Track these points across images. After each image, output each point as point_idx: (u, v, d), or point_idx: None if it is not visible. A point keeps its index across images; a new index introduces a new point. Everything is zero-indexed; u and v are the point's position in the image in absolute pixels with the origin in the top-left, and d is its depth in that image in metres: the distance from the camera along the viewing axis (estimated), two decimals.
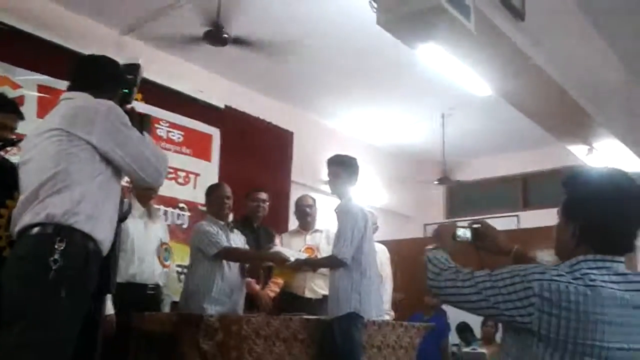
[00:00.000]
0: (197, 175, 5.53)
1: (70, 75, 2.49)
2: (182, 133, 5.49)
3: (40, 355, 2.03)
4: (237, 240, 3.95)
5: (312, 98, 6.83)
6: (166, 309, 3.77)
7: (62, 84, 2.50)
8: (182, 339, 3.00)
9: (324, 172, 3.88)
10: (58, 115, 2.28)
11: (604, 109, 5.21)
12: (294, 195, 5.70)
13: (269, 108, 6.58)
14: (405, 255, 5.24)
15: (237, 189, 4.22)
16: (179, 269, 4.73)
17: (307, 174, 6.80)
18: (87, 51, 2.70)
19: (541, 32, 4.10)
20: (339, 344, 3.34)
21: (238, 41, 4.87)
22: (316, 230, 4.64)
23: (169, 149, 5.22)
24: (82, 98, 2.34)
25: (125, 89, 2.53)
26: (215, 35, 4.72)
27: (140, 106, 2.67)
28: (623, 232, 1.49)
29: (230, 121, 5.99)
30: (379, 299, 3.77)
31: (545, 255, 1.70)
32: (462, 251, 1.86)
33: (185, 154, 5.49)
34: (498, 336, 5.40)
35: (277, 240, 4.46)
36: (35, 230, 2.12)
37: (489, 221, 1.95)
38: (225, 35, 4.73)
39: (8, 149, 2.80)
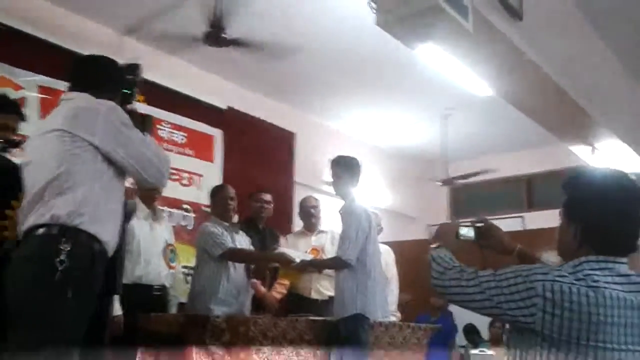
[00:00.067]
0: (200, 176, 5.53)
1: (70, 75, 2.49)
2: (185, 134, 5.49)
3: (45, 356, 2.02)
4: (242, 241, 3.95)
5: (315, 99, 6.83)
6: (173, 310, 3.77)
7: (64, 85, 2.51)
8: (189, 340, 3.00)
9: (326, 173, 3.89)
10: (60, 116, 2.28)
11: (604, 109, 5.21)
12: (297, 196, 5.70)
13: (271, 109, 6.59)
14: (410, 256, 5.21)
15: (240, 190, 4.23)
16: (185, 270, 4.73)
17: (310, 175, 6.79)
18: (87, 52, 2.70)
19: (539, 32, 4.10)
20: (345, 345, 3.33)
21: (237, 42, 4.87)
22: (321, 232, 4.64)
23: (171, 150, 5.22)
24: (83, 98, 2.34)
25: (126, 89, 2.53)
26: (215, 37, 4.72)
27: (141, 107, 2.67)
28: (625, 233, 1.49)
29: (233, 122, 5.99)
30: (384, 300, 3.76)
31: (551, 256, 1.70)
32: (465, 250, 1.85)
33: (188, 155, 5.50)
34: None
35: (282, 242, 4.46)
36: (41, 231, 2.12)
37: (494, 222, 1.94)
38: (225, 36, 4.73)
39: (11, 150, 2.80)
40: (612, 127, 5.47)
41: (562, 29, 4.57)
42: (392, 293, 4.91)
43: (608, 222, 1.47)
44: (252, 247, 4.04)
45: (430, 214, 8.60)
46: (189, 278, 4.34)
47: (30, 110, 4.00)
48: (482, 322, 5.95)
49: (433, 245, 1.76)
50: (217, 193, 4.07)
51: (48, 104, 4.04)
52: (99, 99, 2.34)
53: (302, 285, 4.40)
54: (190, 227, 5.28)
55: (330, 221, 4.51)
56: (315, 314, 3.90)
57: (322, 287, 4.39)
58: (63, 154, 2.18)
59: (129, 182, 2.58)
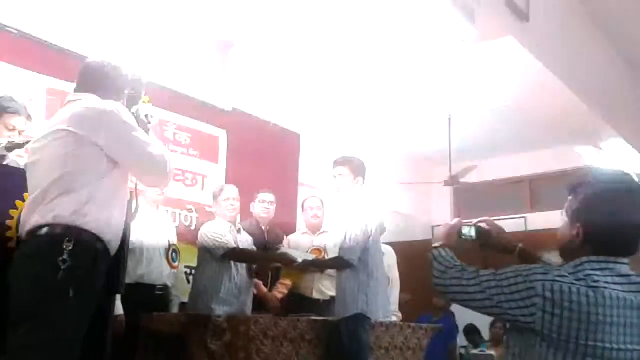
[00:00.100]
0: (204, 177, 5.54)
1: (77, 77, 2.50)
2: (189, 135, 5.50)
3: (47, 356, 2.03)
4: (245, 241, 3.97)
5: (319, 100, 6.84)
6: (174, 309, 3.79)
7: (70, 87, 2.52)
8: (191, 340, 3.02)
9: (330, 174, 3.89)
10: (65, 117, 2.29)
11: (609, 110, 5.22)
12: (301, 196, 5.71)
13: (276, 110, 6.59)
14: (413, 257, 5.22)
15: (244, 191, 4.24)
16: (187, 270, 4.74)
17: (314, 176, 6.80)
18: (94, 55, 2.71)
19: (546, 33, 4.11)
20: (346, 345, 3.35)
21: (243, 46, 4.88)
22: (323, 232, 4.65)
23: (175, 151, 5.23)
24: (88, 100, 2.35)
25: (132, 90, 2.54)
26: (222, 39, 4.75)
27: (146, 108, 2.68)
28: (626, 234, 1.49)
29: (238, 123, 6.00)
30: (386, 301, 3.77)
31: (553, 257, 1.71)
32: (467, 249, 1.86)
33: (193, 155, 5.51)
34: None
35: (285, 242, 4.47)
36: (44, 230, 2.13)
37: (496, 222, 1.96)
38: (232, 39, 4.75)
39: (17, 150, 2.83)
40: (617, 128, 5.48)
41: (568, 31, 4.59)
42: (393, 294, 4.92)
43: (611, 224, 1.48)
44: (254, 248, 4.05)
45: (434, 215, 8.61)
46: (191, 278, 4.35)
47: (37, 112, 4.02)
48: (483, 323, 5.95)
49: (435, 245, 1.77)
50: (220, 193, 4.09)
51: (55, 106, 4.05)
52: (104, 100, 2.35)
53: (304, 285, 4.41)
54: (192, 227, 5.30)
55: (332, 222, 4.52)
56: (316, 314, 3.91)
57: (324, 287, 4.39)
58: (67, 155, 2.19)
59: (132, 182, 2.60)
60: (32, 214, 2.18)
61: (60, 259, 2.06)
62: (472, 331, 6.26)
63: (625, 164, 5.98)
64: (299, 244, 4.52)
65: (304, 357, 3.31)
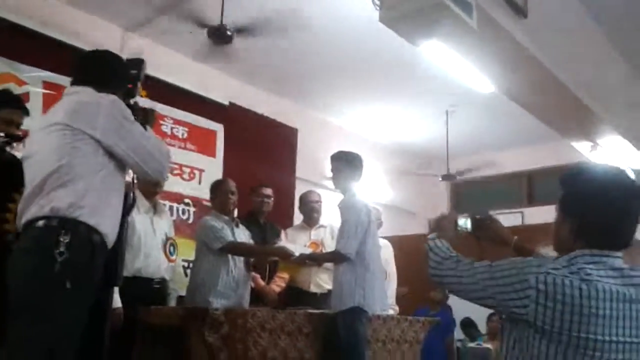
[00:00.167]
0: (201, 171, 5.56)
1: (74, 70, 2.51)
2: (187, 129, 5.52)
3: (45, 348, 2.04)
4: (242, 235, 3.98)
5: (317, 95, 6.85)
6: (172, 302, 3.80)
7: (67, 81, 2.53)
8: (188, 332, 3.03)
9: (328, 169, 3.90)
10: (61, 110, 2.30)
11: (606, 105, 5.21)
12: (298, 191, 5.72)
13: (274, 105, 6.61)
14: (409, 251, 5.24)
15: (242, 185, 4.25)
16: (185, 264, 4.77)
17: (311, 170, 6.81)
18: (91, 48, 2.72)
19: (543, 29, 4.11)
20: (343, 338, 3.37)
21: (241, 30, 4.86)
22: (321, 226, 4.67)
23: (173, 145, 5.25)
24: (85, 92, 2.35)
25: (129, 83, 2.55)
26: (219, 33, 4.74)
27: (144, 102, 2.69)
28: (620, 229, 1.51)
29: (235, 118, 6.02)
30: (382, 294, 3.79)
31: (550, 251, 1.72)
32: (462, 241, 1.88)
33: (190, 150, 5.53)
34: None
35: (282, 236, 4.49)
36: (41, 223, 2.14)
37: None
38: (229, 33, 4.75)
39: (14, 144, 2.83)
40: (614, 124, 5.48)
41: (565, 26, 4.58)
42: (390, 287, 4.94)
43: (604, 217, 1.49)
44: (252, 241, 4.06)
45: (431, 209, 8.62)
46: (189, 271, 4.37)
47: (34, 105, 4.03)
48: (479, 316, 5.97)
49: (431, 236, 1.78)
50: (217, 187, 4.10)
51: (52, 100, 4.05)
52: (101, 93, 2.36)
53: (301, 279, 4.42)
54: (190, 221, 5.32)
55: (330, 216, 4.54)
56: (314, 307, 3.93)
57: (321, 281, 4.41)
58: (64, 147, 2.19)
59: (129, 176, 2.60)
60: (29, 207, 2.19)
61: (57, 251, 2.07)
62: (468, 324, 6.28)
63: (622, 160, 5.99)
64: (296, 238, 4.54)
65: (301, 350, 3.33)
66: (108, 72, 2.48)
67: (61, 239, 2.08)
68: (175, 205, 5.27)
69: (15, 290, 2.11)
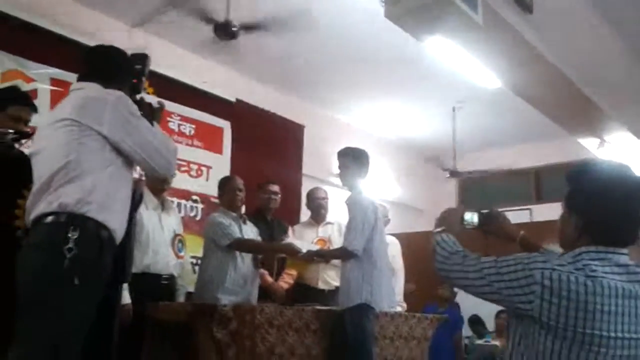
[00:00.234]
0: (209, 168, 5.58)
1: (80, 65, 2.51)
2: (194, 126, 5.53)
3: (53, 344, 2.04)
4: (250, 231, 3.99)
5: (324, 92, 6.85)
6: (181, 299, 3.81)
7: (75, 78, 2.54)
8: (197, 328, 3.04)
9: (335, 165, 3.90)
10: (68, 106, 2.30)
11: (614, 102, 5.19)
12: (305, 188, 5.73)
13: (280, 101, 6.61)
14: (417, 248, 5.25)
15: (249, 182, 4.26)
16: (193, 260, 4.78)
17: (318, 167, 6.82)
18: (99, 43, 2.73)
19: (549, 25, 4.09)
20: (350, 334, 3.37)
21: (247, 27, 4.87)
22: (328, 223, 4.67)
23: (180, 142, 5.26)
24: (91, 88, 2.36)
25: (134, 78, 2.55)
26: (226, 29, 4.75)
27: (152, 99, 2.69)
28: (625, 225, 1.50)
29: (242, 114, 6.02)
30: (390, 291, 3.79)
31: (557, 248, 1.72)
32: (469, 236, 1.88)
33: (197, 147, 5.54)
34: None
35: (289, 232, 4.49)
36: (49, 219, 2.14)
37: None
38: (235, 29, 4.75)
39: (23, 141, 2.85)
40: (622, 120, 5.46)
41: (572, 22, 4.56)
42: (398, 284, 4.94)
43: (609, 214, 1.49)
44: (259, 238, 4.07)
45: (438, 206, 8.59)
46: (197, 268, 4.38)
47: (42, 102, 4.05)
48: (487, 313, 5.96)
49: (437, 230, 1.78)
50: (225, 184, 4.11)
51: (59, 97, 4.05)
52: (107, 88, 2.36)
53: (309, 276, 4.44)
54: (198, 218, 5.34)
55: (337, 213, 4.54)
56: (321, 303, 3.94)
57: (329, 277, 4.42)
58: (71, 143, 2.19)
59: (137, 173, 2.61)
60: (37, 203, 2.20)
61: (66, 247, 2.07)
62: (476, 322, 6.28)
63: (630, 156, 5.97)
64: (303, 235, 4.55)
65: (309, 346, 3.34)
66: (113, 67, 2.48)
67: (69, 235, 2.09)
68: (183, 202, 5.29)
69: (23, 286, 2.11)
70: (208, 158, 5.61)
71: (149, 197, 3.66)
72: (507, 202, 8.06)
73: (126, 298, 3.20)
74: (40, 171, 2.25)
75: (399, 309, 4.70)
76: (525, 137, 7.85)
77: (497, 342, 5.73)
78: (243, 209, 4.15)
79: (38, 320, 2.06)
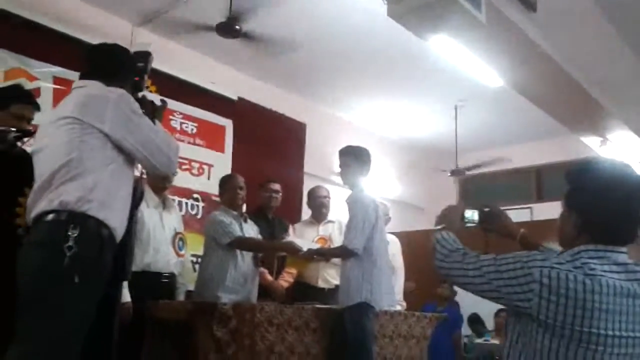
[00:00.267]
0: (210, 166, 5.58)
1: (83, 63, 2.52)
2: (196, 124, 5.54)
3: (53, 342, 2.05)
4: (251, 230, 3.99)
5: (325, 90, 6.85)
6: (181, 297, 3.82)
7: (78, 76, 2.55)
8: (197, 327, 3.05)
9: (336, 164, 3.91)
10: (70, 104, 2.31)
11: (616, 100, 5.19)
12: (307, 186, 5.73)
13: (282, 100, 6.61)
14: (418, 247, 5.25)
15: (250, 180, 4.27)
16: (194, 259, 4.79)
17: (320, 165, 6.82)
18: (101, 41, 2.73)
19: (553, 23, 4.09)
20: (350, 333, 3.37)
21: (249, 35, 4.89)
22: (329, 221, 4.67)
23: (182, 141, 5.27)
24: (93, 86, 2.36)
25: (136, 76, 2.55)
26: (228, 28, 4.76)
27: (154, 96, 2.70)
28: (625, 224, 1.51)
29: (244, 113, 6.03)
30: (390, 289, 3.80)
31: (556, 246, 1.73)
32: (469, 233, 1.88)
33: (199, 145, 5.55)
34: None
35: (290, 231, 4.50)
36: (50, 217, 2.14)
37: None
38: (237, 28, 4.76)
39: (25, 140, 2.85)
40: (624, 119, 5.46)
41: (575, 20, 4.55)
42: (398, 283, 4.94)
43: (609, 214, 1.49)
44: (260, 236, 4.08)
45: (439, 204, 8.58)
46: (197, 266, 4.39)
47: (45, 101, 4.05)
48: (487, 312, 5.96)
49: (438, 227, 1.78)
50: (226, 182, 4.11)
51: (62, 95, 4.03)
52: (109, 86, 2.36)
53: (309, 274, 4.44)
54: (199, 216, 5.35)
55: (338, 211, 4.54)
56: (321, 302, 3.94)
57: (329, 276, 4.42)
58: (73, 142, 2.20)
59: (138, 170, 2.62)
60: (38, 201, 2.20)
61: (66, 245, 2.07)
62: (475, 320, 6.27)
63: (632, 155, 5.97)
64: (304, 233, 4.55)
65: (308, 345, 3.34)
66: (115, 65, 2.48)
67: (70, 233, 2.09)
68: (184, 200, 5.30)
69: (24, 284, 2.12)
70: (210, 156, 5.61)
71: (150, 195, 3.66)
72: (508, 200, 8.08)
73: (126, 296, 3.20)
74: (41, 169, 2.26)
75: (398, 307, 4.70)
76: (526, 135, 7.85)
77: (496, 341, 5.73)
78: (244, 208, 4.15)
79: (38, 318, 2.06)
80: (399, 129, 8.05)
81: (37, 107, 2.88)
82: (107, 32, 4.75)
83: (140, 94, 2.54)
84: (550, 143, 7.67)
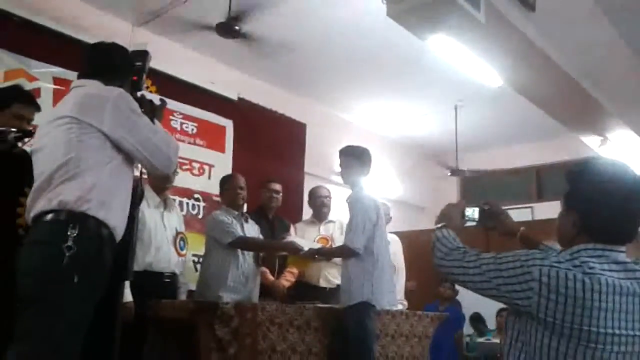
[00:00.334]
0: (211, 166, 5.59)
1: (82, 62, 2.52)
2: (196, 125, 5.55)
3: (52, 341, 2.05)
4: (251, 230, 4.00)
5: (325, 90, 6.85)
6: (182, 296, 3.82)
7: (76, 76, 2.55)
8: (198, 326, 3.05)
9: (336, 164, 3.91)
10: (69, 103, 2.31)
11: (616, 100, 5.19)
12: (307, 186, 5.74)
13: (282, 100, 6.62)
14: (419, 246, 5.25)
15: (251, 180, 4.27)
16: (195, 258, 4.80)
17: (320, 165, 6.83)
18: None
19: (552, 23, 4.09)
20: (351, 332, 3.38)
21: (248, 36, 4.90)
22: (330, 221, 4.68)
23: (182, 141, 5.28)
24: (92, 85, 2.36)
25: (134, 75, 2.55)
26: (228, 28, 4.76)
27: (153, 96, 2.70)
28: (624, 224, 1.51)
29: (244, 113, 6.03)
30: (391, 288, 3.80)
31: (557, 245, 1.73)
32: (470, 231, 1.89)
33: (199, 145, 5.56)
34: None
35: (291, 231, 4.50)
36: (49, 217, 2.15)
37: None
38: (237, 28, 4.76)
39: (25, 140, 2.85)
40: (624, 118, 5.46)
41: (575, 20, 4.55)
42: (399, 282, 4.95)
43: (606, 212, 1.50)
44: (261, 236, 4.08)
45: (440, 204, 8.58)
46: (199, 266, 4.39)
47: (45, 101, 4.06)
48: (488, 311, 5.97)
49: (438, 225, 1.79)
50: (227, 182, 4.12)
51: (62, 96, 4.04)
52: (108, 86, 2.37)
53: (310, 274, 4.44)
54: (200, 216, 5.35)
55: (339, 211, 4.55)
56: (323, 302, 3.94)
57: (330, 275, 4.43)
58: (71, 141, 2.20)
59: (138, 170, 2.62)
60: (37, 200, 2.20)
61: (65, 245, 2.08)
62: (477, 320, 6.29)
63: (632, 155, 5.97)
64: (305, 233, 4.55)
65: (310, 344, 3.35)
66: (113, 64, 2.48)
67: (69, 233, 2.09)
68: (185, 200, 5.30)
69: (23, 283, 2.12)
70: (210, 156, 5.62)
71: (151, 195, 3.67)
72: (509, 200, 8.08)
73: (128, 296, 3.21)
74: (40, 168, 2.26)
75: (400, 307, 4.71)
76: (526, 135, 7.85)
77: (498, 340, 5.74)
78: (245, 207, 4.15)
79: (38, 318, 2.06)
80: (399, 129, 8.06)
81: (37, 108, 2.88)
82: (106, 32, 4.74)
83: (139, 94, 2.54)
84: (550, 143, 7.68)
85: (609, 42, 5.14)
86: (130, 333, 3.03)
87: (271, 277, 4.25)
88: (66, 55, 4.43)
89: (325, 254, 4.02)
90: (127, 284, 3.01)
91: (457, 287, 5.73)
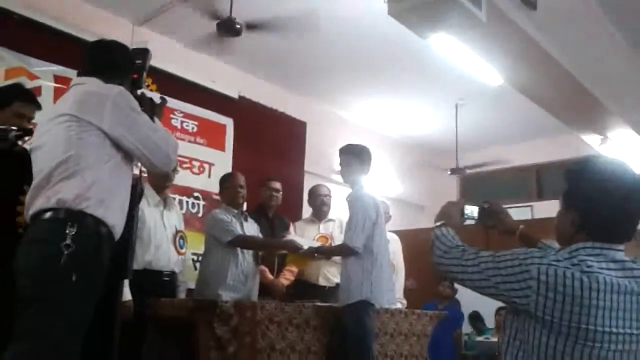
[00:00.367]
0: (211, 165, 5.59)
1: (82, 60, 2.51)
2: (196, 123, 5.55)
3: (52, 340, 2.05)
4: (251, 228, 4.00)
5: (325, 88, 6.85)
6: (182, 295, 3.82)
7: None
8: (198, 325, 3.05)
9: (336, 162, 3.91)
10: (69, 101, 2.31)
11: (617, 98, 5.18)
12: (307, 185, 5.74)
13: (283, 98, 6.62)
14: (418, 245, 5.25)
15: (251, 179, 4.27)
16: (195, 257, 4.80)
17: (320, 164, 6.83)
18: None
19: (553, 21, 4.08)
20: (350, 331, 3.38)
21: (250, 26, 4.88)
22: (329, 219, 4.68)
23: (183, 139, 5.28)
24: (92, 83, 2.36)
25: (134, 73, 2.55)
26: (228, 27, 4.76)
27: (153, 94, 2.70)
28: (621, 222, 1.52)
29: (244, 111, 6.03)
30: (390, 287, 3.80)
31: (555, 243, 1.73)
32: (469, 229, 1.89)
33: (200, 144, 5.56)
34: None
35: (291, 229, 4.50)
36: (48, 215, 2.14)
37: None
38: (238, 27, 4.76)
39: (26, 138, 2.85)
40: (625, 117, 5.45)
41: (576, 19, 4.55)
42: (398, 281, 4.95)
43: (605, 211, 1.50)
44: (260, 235, 4.08)
45: (440, 203, 8.58)
46: (198, 264, 4.39)
47: (45, 99, 4.06)
48: (487, 310, 5.97)
49: (437, 224, 1.79)
50: (226, 180, 4.12)
51: (63, 94, 4.07)
52: (108, 83, 2.36)
53: (310, 272, 4.44)
54: (200, 215, 5.36)
55: (339, 209, 4.55)
56: (322, 300, 3.95)
57: (330, 274, 4.43)
58: (71, 139, 2.20)
59: (137, 168, 2.62)
60: (36, 198, 2.20)
61: (64, 243, 2.07)
62: (476, 318, 6.29)
63: (632, 153, 5.96)
64: (304, 231, 4.55)
65: (309, 342, 3.35)
66: (113, 62, 2.48)
67: (68, 231, 2.09)
68: (185, 198, 5.31)
69: (22, 283, 2.12)
70: (210, 155, 5.63)
71: (151, 193, 3.67)
72: (509, 198, 8.08)
73: (127, 294, 3.21)
74: (39, 166, 2.26)
75: (399, 305, 4.71)
76: (527, 133, 7.84)
77: (496, 339, 5.74)
78: (245, 206, 4.16)
79: (37, 316, 2.06)
80: (400, 128, 8.05)
81: (38, 106, 2.88)
82: (107, 31, 4.73)
83: (139, 92, 2.54)
84: (551, 141, 7.68)
85: (610, 41, 5.14)
86: (130, 332, 3.03)
87: (270, 276, 4.25)
88: (67, 53, 4.44)
89: (324, 252, 4.03)
90: (126, 282, 3.02)
91: (456, 285, 5.73)
